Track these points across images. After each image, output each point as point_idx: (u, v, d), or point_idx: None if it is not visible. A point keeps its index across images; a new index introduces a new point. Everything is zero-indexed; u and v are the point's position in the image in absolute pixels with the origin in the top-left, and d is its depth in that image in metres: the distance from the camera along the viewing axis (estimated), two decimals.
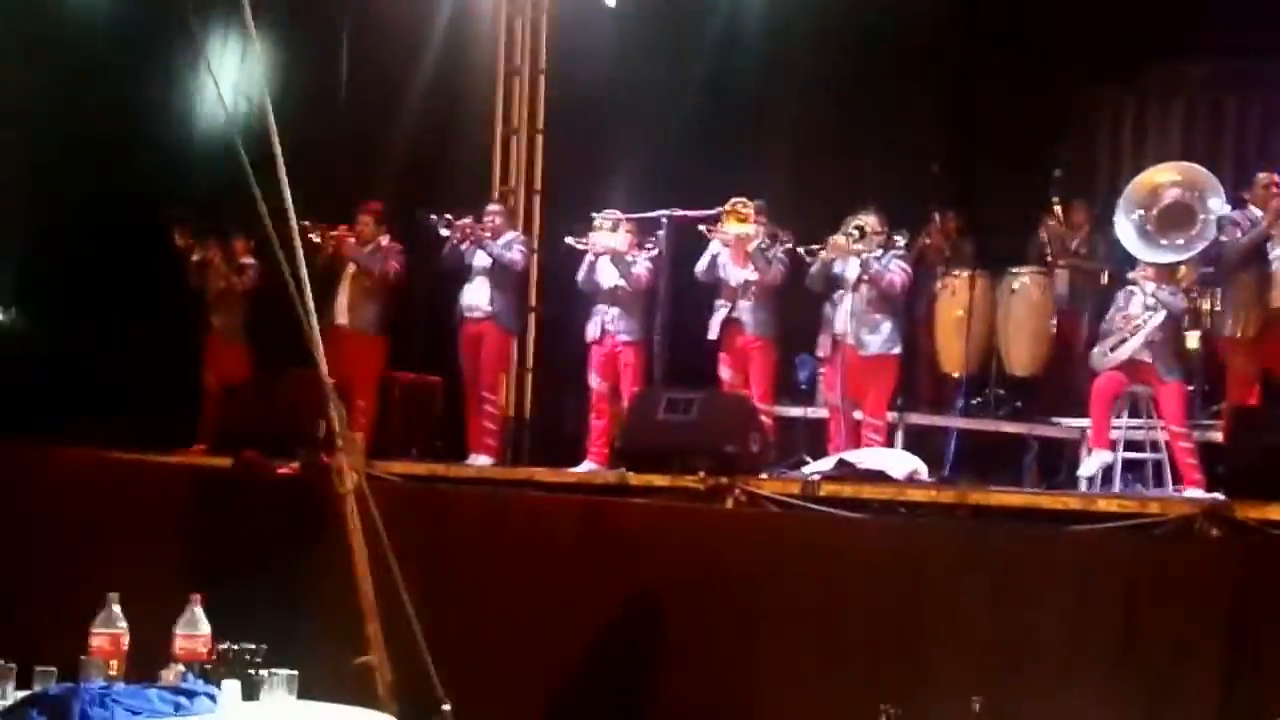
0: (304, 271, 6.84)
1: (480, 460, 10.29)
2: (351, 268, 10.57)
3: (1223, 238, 9.13)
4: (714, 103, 11.84)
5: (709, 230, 10.02)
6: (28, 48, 10.63)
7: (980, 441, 10.27)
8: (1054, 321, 10.63)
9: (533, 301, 12.15)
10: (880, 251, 9.66)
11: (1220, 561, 7.18)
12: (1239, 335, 9.01)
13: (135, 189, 10.99)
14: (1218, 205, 9.85)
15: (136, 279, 11.06)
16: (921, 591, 7.52)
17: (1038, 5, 11.72)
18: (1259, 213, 8.92)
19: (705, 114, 11.83)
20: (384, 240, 10.70)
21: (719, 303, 10.01)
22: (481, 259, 10.54)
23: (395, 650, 6.48)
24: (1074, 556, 7.40)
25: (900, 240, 9.82)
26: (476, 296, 10.58)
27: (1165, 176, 9.77)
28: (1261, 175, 9.19)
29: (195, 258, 10.93)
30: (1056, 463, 10.19)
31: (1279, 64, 11.63)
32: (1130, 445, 9.60)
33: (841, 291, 9.69)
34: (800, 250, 9.90)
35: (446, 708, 6.43)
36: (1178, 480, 9.04)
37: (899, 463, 8.86)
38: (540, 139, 13.26)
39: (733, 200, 9.97)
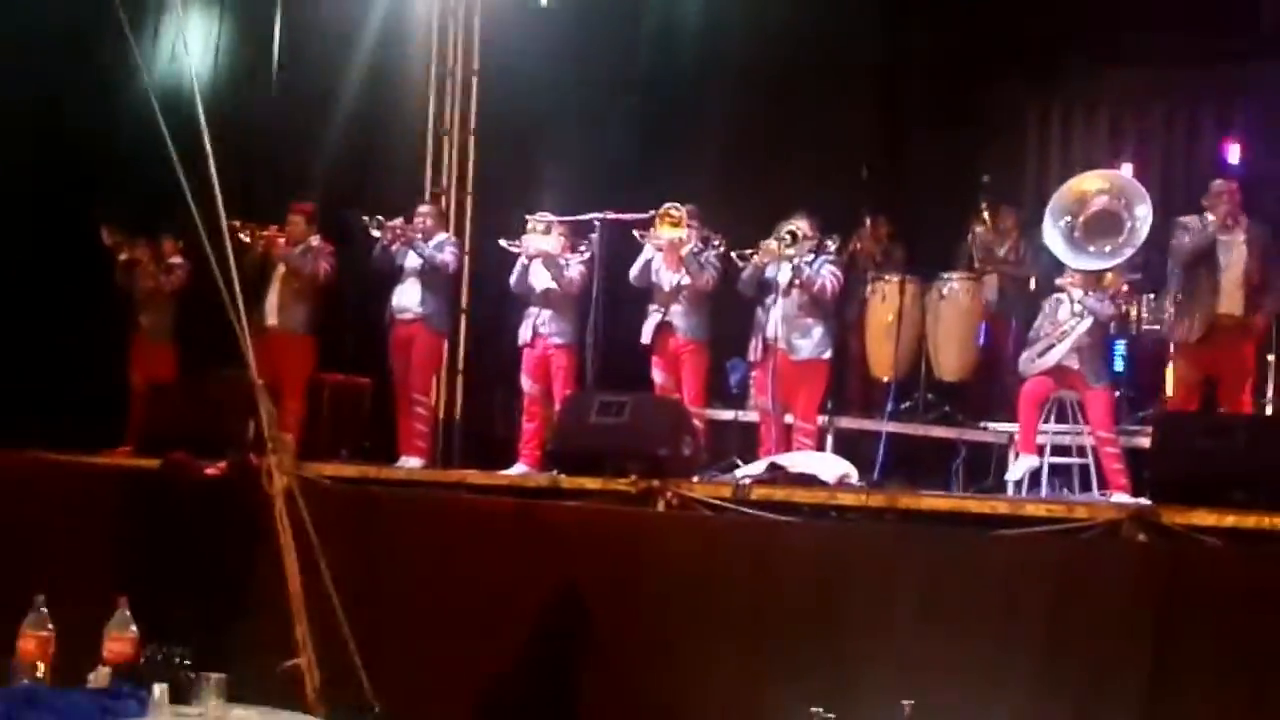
0: (234, 272, 6.84)
1: (411, 462, 10.28)
2: (281, 268, 10.53)
3: (1172, 241, 9.25)
4: (647, 107, 11.92)
5: (642, 235, 10.04)
6: None
7: (909, 446, 10.31)
8: (982, 327, 10.74)
9: (464, 303, 12.12)
10: (812, 256, 9.71)
11: (1146, 566, 7.20)
12: (1186, 339, 9.15)
13: (62, 185, 10.90)
14: (1144, 213, 9.94)
15: (63, 277, 10.96)
16: (851, 595, 7.54)
17: (964, 13, 11.80)
18: (1212, 219, 9.06)
19: (638, 118, 11.91)
20: (314, 241, 10.65)
21: (652, 307, 10.04)
22: (412, 260, 10.51)
23: (326, 653, 6.48)
24: (1001, 560, 7.43)
25: (832, 245, 9.89)
26: (407, 298, 10.56)
27: (1093, 184, 9.85)
28: (1217, 183, 9.32)
29: (123, 257, 10.85)
30: (984, 467, 10.26)
31: (1203, 71, 11.78)
32: (1057, 450, 9.74)
33: (773, 296, 9.71)
34: (733, 255, 9.96)
35: (376, 709, 6.45)
36: (1104, 485, 9.15)
37: (830, 467, 8.88)
38: (472, 140, 13.26)
39: (665, 205, 9.97)
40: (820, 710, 5.19)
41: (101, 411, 10.64)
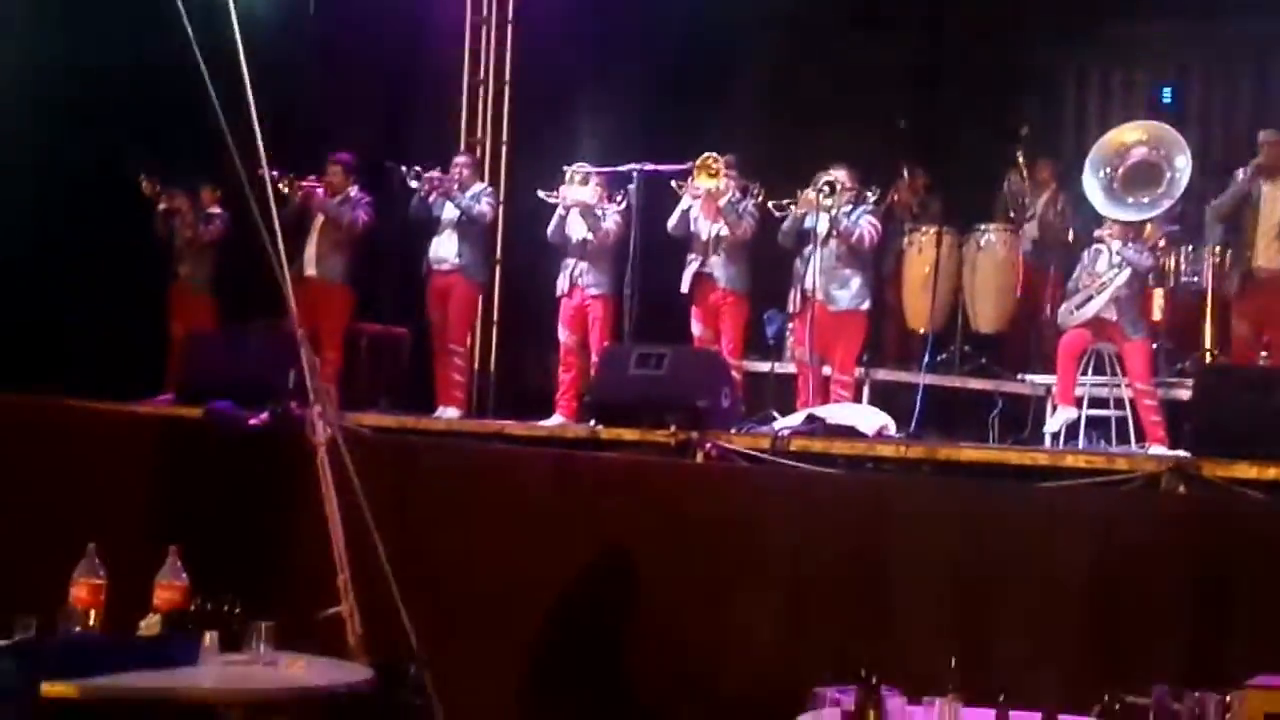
0: (276, 222, 6.86)
1: (449, 413, 10.30)
2: (320, 219, 10.55)
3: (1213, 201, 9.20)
4: (685, 57, 11.84)
5: (680, 185, 10.03)
6: None
7: (946, 398, 10.31)
8: (1020, 278, 10.71)
9: (498, 254, 12.11)
10: (850, 207, 9.72)
11: (1188, 518, 7.25)
12: (1228, 294, 9.16)
13: (101, 135, 10.84)
14: (1183, 164, 9.93)
15: (102, 227, 10.93)
16: (891, 547, 7.53)
17: None
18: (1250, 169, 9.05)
19: (676, 68, 11.83)
20: (353, 191, 10.68)
21: (690, 257, 10.05)
22: (450, 211, 10.54)
23: (368, 602, 6.53)
24: (1042, 512, 7.43)
25: (871, 196, 9.92)
26: (445, 249, 10.59)
27: (1132, 135, 9.85)
28: (1263, 133, 9.29)
29: (162, 206, 10.88)
30: (1022, 419, 10.25)
31: (1237, 23, 11.69)
32: (1095, 402, 9.70)
33: (811, 247, 9.71)
34: (770, 205, 9.93)
35: (423, 658, 6.49)
36: (1141, 437, 9.13)
37: (868, 418, 8.91)
38: (507, 90, 13.25)
39: (704, 155, 9.96)
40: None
41: (141, 361, 10.68)
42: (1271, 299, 9.11)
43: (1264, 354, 9.94)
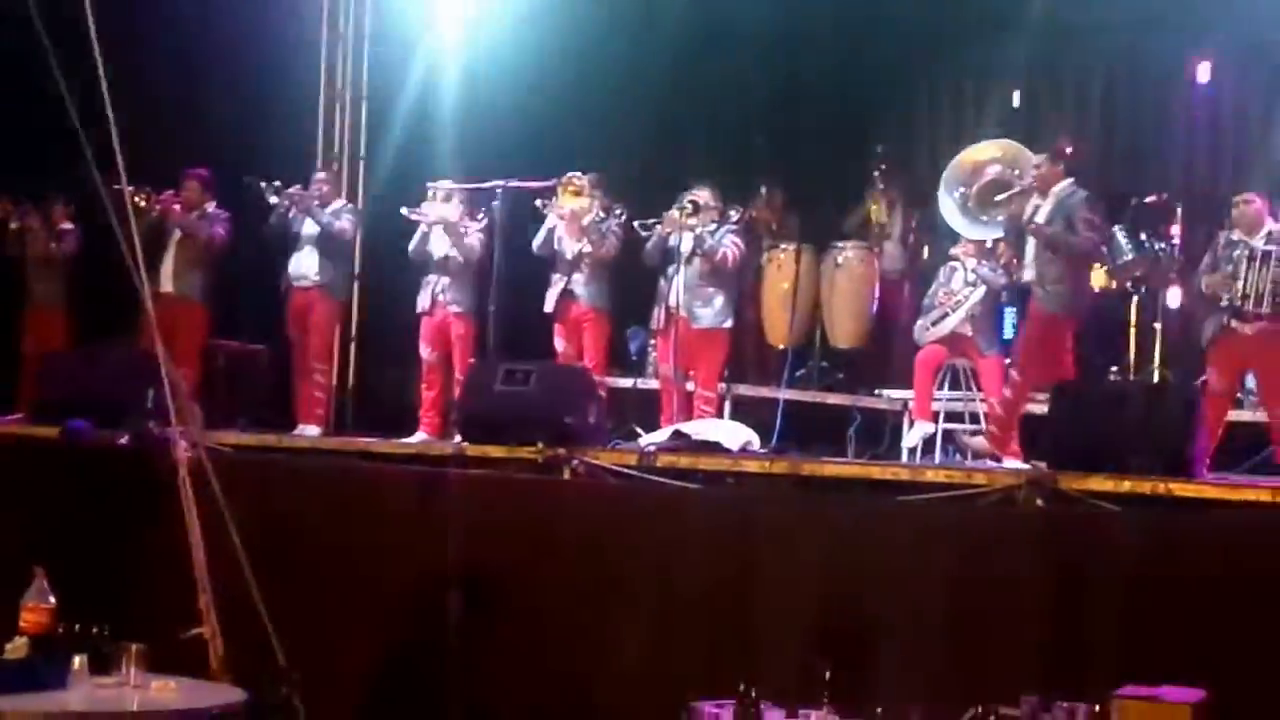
0: (135, 238, 6.77)
1: (310, 430, 10.25)
2: (177, 234, 10.42)
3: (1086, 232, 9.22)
4: (547, 75, 11.84)
5: (544, 203, 10.06)
6: None
7: (805, 412, 10.37)
8: (877, 295, 10.83)
9: (358, 270, 12.00)
10: (714, 226, 9.81)
11: (1045, 530, 7.40)
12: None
13: None
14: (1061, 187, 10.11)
15: None
16: (759, 561, 7.62)
17: None
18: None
19: (539, 86, 11.83)
20: (210, 207, 10.57)
21: (554, 275, 10.07)
22: (310, 227, 10.49)
23: (236, 621, 6.46)
24: (904, 525, 7.55)
25: (734, 215, 9.99)
26: (305, 265, 10.53)
27: (986, 154, 10.02)
28: (1038, 157, 9.34)
29: (13, 225, 10.68)
30: (880, 433, 10.40)
31: (1086, 45, 11.94)
32: (950, 416, 9.89)
33: (676, 265, 9.76)
34: (635, 224, 10.01)
35: (294, 676, 6.45)
36: (999, 448, 9.18)
37: (732, 434, 8.95)
38: (365, 105, 13.21)
39: (568, 174, 10.03)
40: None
41: None
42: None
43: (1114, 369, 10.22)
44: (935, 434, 9.69)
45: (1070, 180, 9.09)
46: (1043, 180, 9.06)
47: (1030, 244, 9.04)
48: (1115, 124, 12.03)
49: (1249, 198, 8.95)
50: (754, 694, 5.01)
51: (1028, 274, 9.08)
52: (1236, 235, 8.81)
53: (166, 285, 10.18)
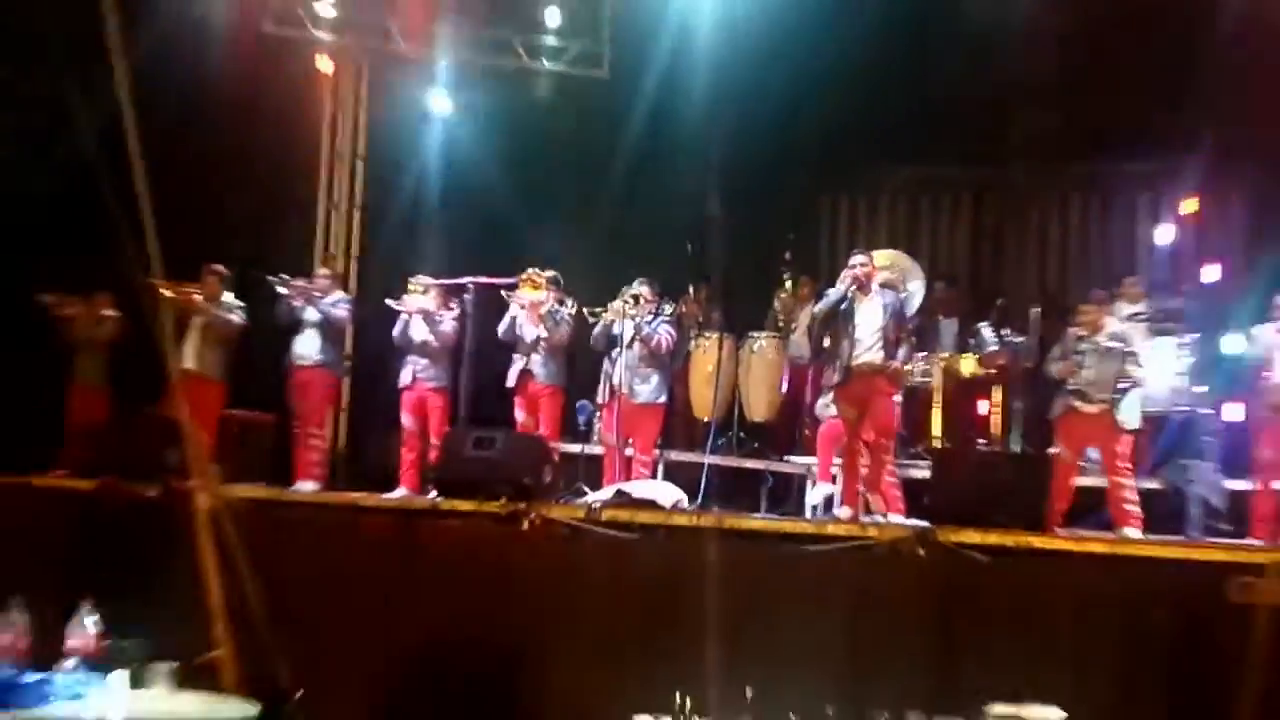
0: (168, 324, 6.82)
1: (307, 486, 10.14)
2: (198, 319, 10.32)
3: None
4: (512, 187, 11.90)
5: (508, 295, 10.08)
6: None
7: (726, 474, 10.35)
8: (785, 377, 10.88)
9: (349, 351, 11.96)
10: (651, 317, 9.85)
11: (926, 576, 7.44)
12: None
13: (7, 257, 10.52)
14: (917, 286, 10.26)
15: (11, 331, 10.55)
16: (687, 598, 7.53)
17: (771, 122, 11.99)
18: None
19: (505, 198, 11.88)
20: (227, 297, 10.50)
21: (516, 356, 10.06)
22: (311, 314, 10.46)
23: (247, 645, 6.44)
24: (810, 571, 7.59)
25: (667, 309, 10.03)
26: (306, 346, 10.49)
27: (880, 261, 10.13)
28: (857, 255, 9.31)
29: (61, 313, 10.55)
30: (787, 493, 10.40)
31: (957, 169, 12.14)
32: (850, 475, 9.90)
33: (618, 349, 9.80)
34: (585, 313, 10.03)
35: (296, 694, 6.44)
36: (887, 507, 9.16)
37: (666, 493, 8.93)
38: (358, 214, 13.26)
39: (529, 270, 10.08)
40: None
41: (41, 444, 10.29)
42: (866, 390, 9.00)
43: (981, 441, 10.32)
44: (834, 493, 9.70)
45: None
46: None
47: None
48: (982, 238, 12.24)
49: (1091, 306, 9.12)
50: (686, 707, 5.02)
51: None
52: (1084, 332, 8.97)
53: (189, 363, 10.06)
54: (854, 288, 8.98)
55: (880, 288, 9.15)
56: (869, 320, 8.94)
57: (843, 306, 8.96)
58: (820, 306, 9.22)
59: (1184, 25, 10.26)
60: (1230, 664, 6.42)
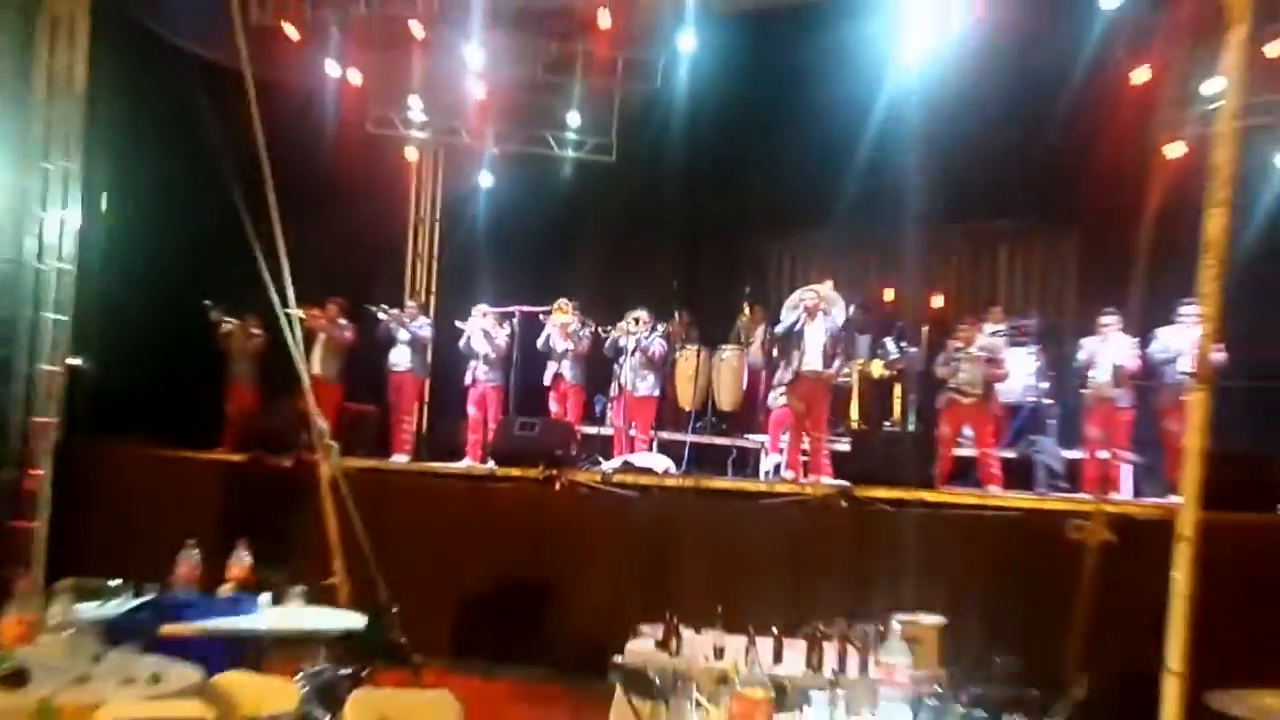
0: (300, 341, 6.82)
1: (400, 458, 10.15)
2: (322, 336, 10.31)
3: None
4: (546, 244, 11.85)
5: (544, 317, 10.10)
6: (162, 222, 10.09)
7: (702, 449, 10.30)
8: (745, 378, 10.85)
9: (429, 360, 11.95)
10: (648, 333, 9.86)
11: (846, 519, 7.50)
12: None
13: (190, 289, 10.42)
14: (838, 311, 10.16)
15: (187, 345, 10.49)
16: (675, 539, 7.69)
17: (732, 195, 11.93)
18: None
19: (540, 250, 11.84)
20: (343, 320, 10.50)
21: (550, 363, 10.05)
22: (403, 334, 10.44)
23: (357, 574, 6.45)
24: (763, 519, 7.64)
25: (660, 328, 10.03)
26: (400, 357, 10.46)
27: (805, 295, 10.05)
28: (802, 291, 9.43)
29: (223, 330, 10.59)
30: (746, 461, 10.34)
31: (871, 232, 12.04)
32: (795, 449, 9.85)
33: (624, 357, 9.82)
34: (600, 331, 10.05)
35: (393, 609, 6.43)
36: (819, 471, 9.16)
37: (659, 462, 8.98)
38: (435, 263, 13.28)
39: (559, 300, 10.09)
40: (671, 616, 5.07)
41: (207, 429, 10.30)
42: (811, 389, 9.07)
43: (887, 423, 10.27)
44: (780, 462, 9.68)
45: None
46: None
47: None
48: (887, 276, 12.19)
49: (965, 325, 9.11)
50: (674, 620, 5.01)
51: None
52: (960, 344, 8.98)
53: (316, 370, 9.93)
54: (805, 315, 9.03)
55: (822, 314, 9.15)
56: (815, 338, 8.99)
57: (796, 327, 9.03)
58: (781, 327, 9.22)
59: (1033, 129, 10.23)
60: (1066, 583, 6.40)
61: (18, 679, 3.60)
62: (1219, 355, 4.11)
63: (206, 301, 10.39)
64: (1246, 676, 4.47)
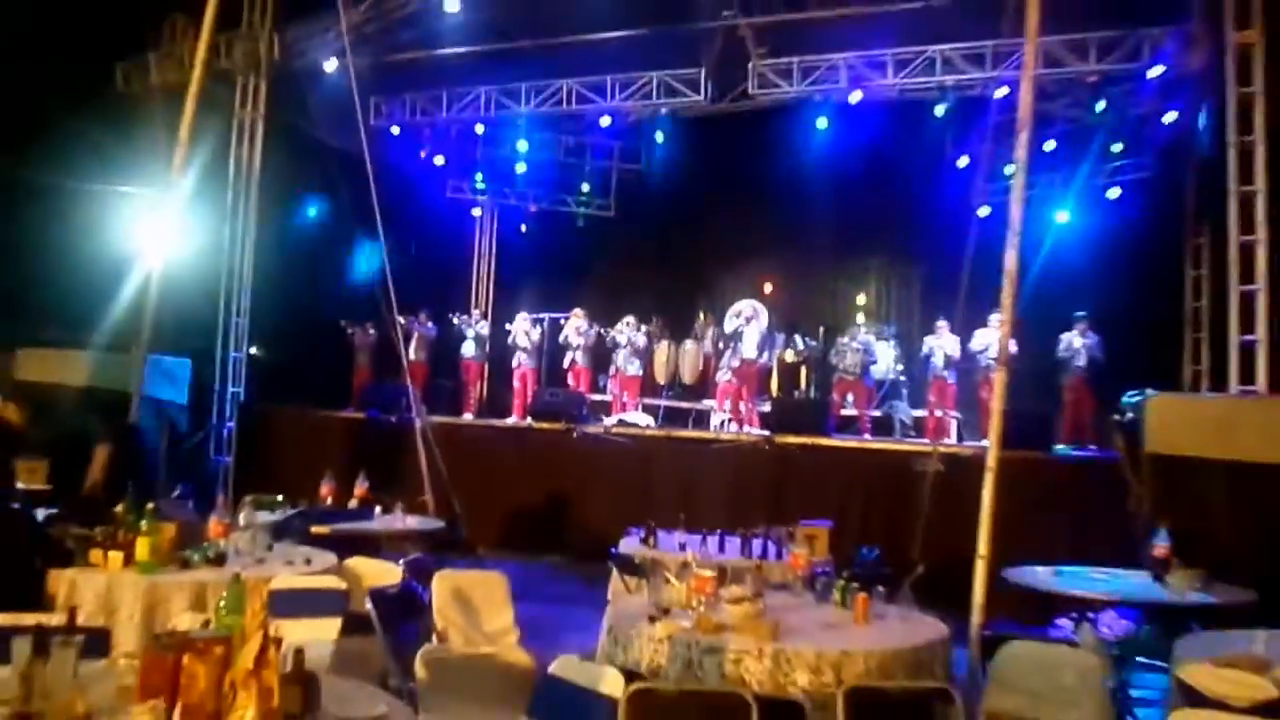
0: (401, 336, 6.81)
1: (468, 416, 10.04)
2: (416, 333, 10.15)
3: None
4: (564, 273, 11.67)
5: (565, 321, 10.02)
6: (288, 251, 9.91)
7: (672, 410, 10.23)
8: (702, 361, 10.79)
9: (488, 350, 11.75)
10: (635, 332, 9.80)
11: (770, 457, 7.53)
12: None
13: (325, 303, 10.41)
14: (765, 318, 10.18)
15: (328, 338, 10.34)
16: (655, 474, 7.72)
17: (693, 237, 11.48)
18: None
19: (560, 277, 11.66)
20: (429, 323, 10.41)
21: (568, 353, 9.95)
22: (469, 332, 10.37)
23: (441, 495, 6.47)
24: (714, 458, 7.66)
25: (643, 329, 9.93)
26: (469, 349, 10.38)
27: (745, 305, 10.07)
28: (742, 303, 9.38)
29: (349, 332, 10.49)
30: (704, 418, 10.30)
31: (790, 264, 11.63)
32: (734, 410, 9.88)
33: (619, 348, 9.76)
34: (601, 330, 9.95)
35: (461, 523, 6.42)
36: (751, 424, 9.08)
37: (644, 419, 9.02)
38: (492, 282, 13.15)
39: (574, 310, 10.01)
40: (650, 524, 5.06)
41: (340, 396, 10.21)
42: (746, 370, 9.05)
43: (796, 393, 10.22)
44: (725, 419, 9.66)
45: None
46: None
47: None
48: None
49: (850, 329, 9.16)
50: (652, 525, 5.05)
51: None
52: (846, 340, 9.05)
53: (411, 356, 9.69)
54: (744, 320, 9.14)
55: (756, 320, 9.15)
56: (751, 337, 9.06)
57: (739, 329, 9.11)
58: (730, 329, 9.30)
59: (890, 199, 10.16)
60: (912, 499, 6.53)
61: (219, 560, 3.74)
62: (1013, 347, 4.23)
63: (342, 322, 10.35)
64: (1029, 558, 4.64)
